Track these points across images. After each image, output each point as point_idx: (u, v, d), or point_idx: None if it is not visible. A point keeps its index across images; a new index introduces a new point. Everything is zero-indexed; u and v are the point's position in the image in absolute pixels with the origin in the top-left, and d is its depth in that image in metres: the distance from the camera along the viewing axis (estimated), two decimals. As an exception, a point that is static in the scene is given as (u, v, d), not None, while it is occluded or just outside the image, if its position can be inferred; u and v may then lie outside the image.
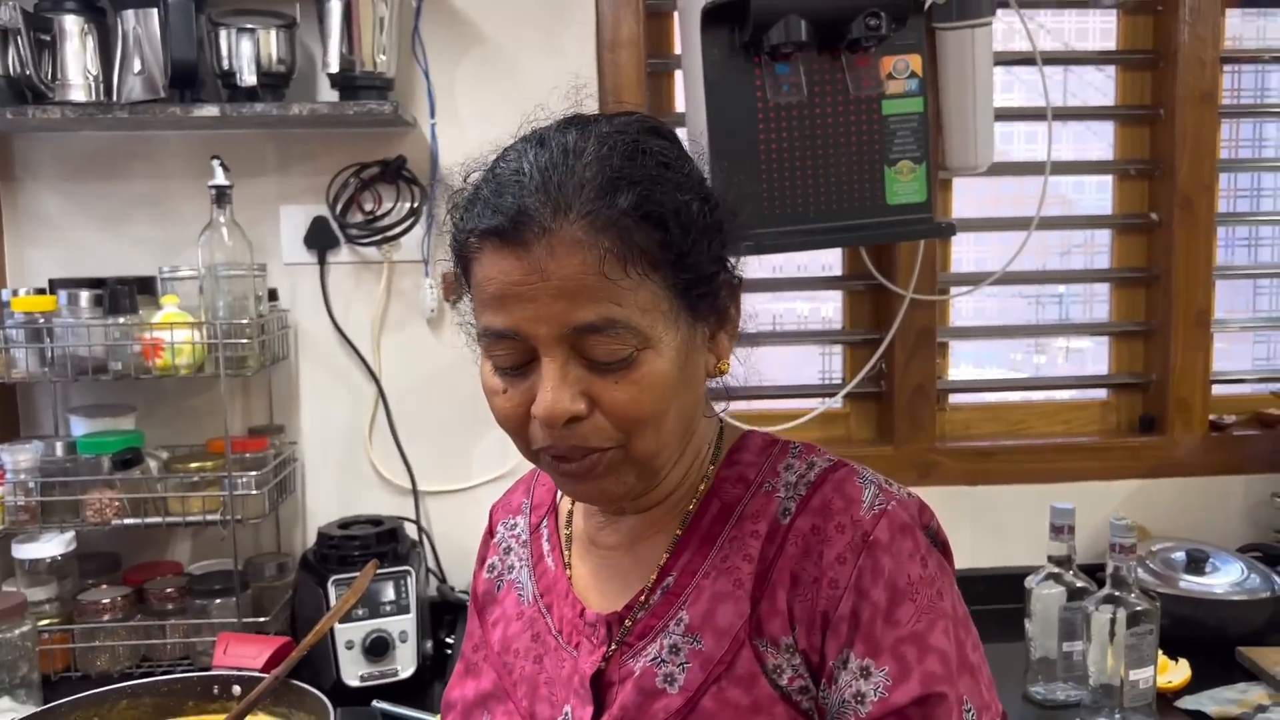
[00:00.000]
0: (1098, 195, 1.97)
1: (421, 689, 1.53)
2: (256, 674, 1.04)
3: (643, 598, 0.83)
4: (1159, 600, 1.43)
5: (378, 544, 1.58)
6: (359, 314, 1.75)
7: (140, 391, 1.67)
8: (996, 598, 1.79)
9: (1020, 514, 1.83)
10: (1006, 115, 1.82)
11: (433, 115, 1.71)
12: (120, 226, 1.70)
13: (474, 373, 0.81)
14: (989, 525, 1.86)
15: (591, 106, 1.75)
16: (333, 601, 1.51)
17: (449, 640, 1.65)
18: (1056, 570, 1.51)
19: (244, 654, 1.07)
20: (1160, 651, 1.48)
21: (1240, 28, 1.98)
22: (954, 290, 1.88)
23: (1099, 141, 1.95)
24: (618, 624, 0.83)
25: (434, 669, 1.59)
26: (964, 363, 1.99)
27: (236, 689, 1.03)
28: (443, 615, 1.71)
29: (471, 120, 1.74)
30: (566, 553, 0.90)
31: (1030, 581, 1.53)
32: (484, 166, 0.80)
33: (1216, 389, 1.96)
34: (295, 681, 1.02)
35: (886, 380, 1.89)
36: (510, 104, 1.70)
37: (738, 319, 0.83)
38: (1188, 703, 1.44)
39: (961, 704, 0.75)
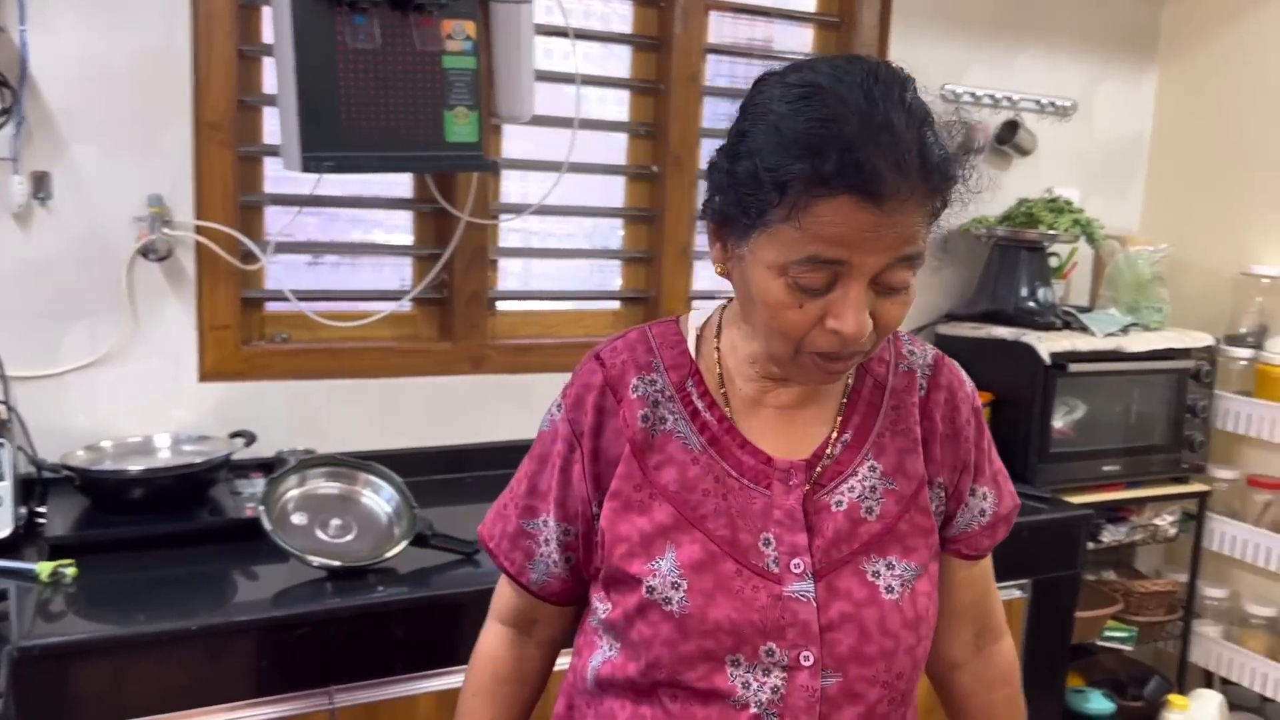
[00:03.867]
0: (616, 150, 2.47)
1: (15, 548, 1.69)
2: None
3: (826, 452, 1.04)
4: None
5: (-31, 420, 1.70)
6: (-59, 206, 1.82)
7: None
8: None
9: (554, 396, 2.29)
10: (547, 78, 2.26)
11: (22, 23, 1.81)
12: None
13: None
14: (527, 407, 2.31)
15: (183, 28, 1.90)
16: (-76, 471, 1.62)
17: (40, 510, 1.80)
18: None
19: None
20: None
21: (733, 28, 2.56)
22: (502, 216, 2.30)
23: (619, 105, 2.46)
24: (810, 468, 1.03)
25: (27, 533, 1.74)
26: (511, 277, 2.42)
27: None
28: (34, 488, 1.85)
29: (63, 30, 1.85)
30: (728, 409, 1.05)
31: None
32: (792, 99, 0.91)
33: (696, 304, 2.56)
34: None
35: (448, 289, 2.27)
36: (101, 19, 1.86)
37: None
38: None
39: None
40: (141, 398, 2.00)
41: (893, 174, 0.87)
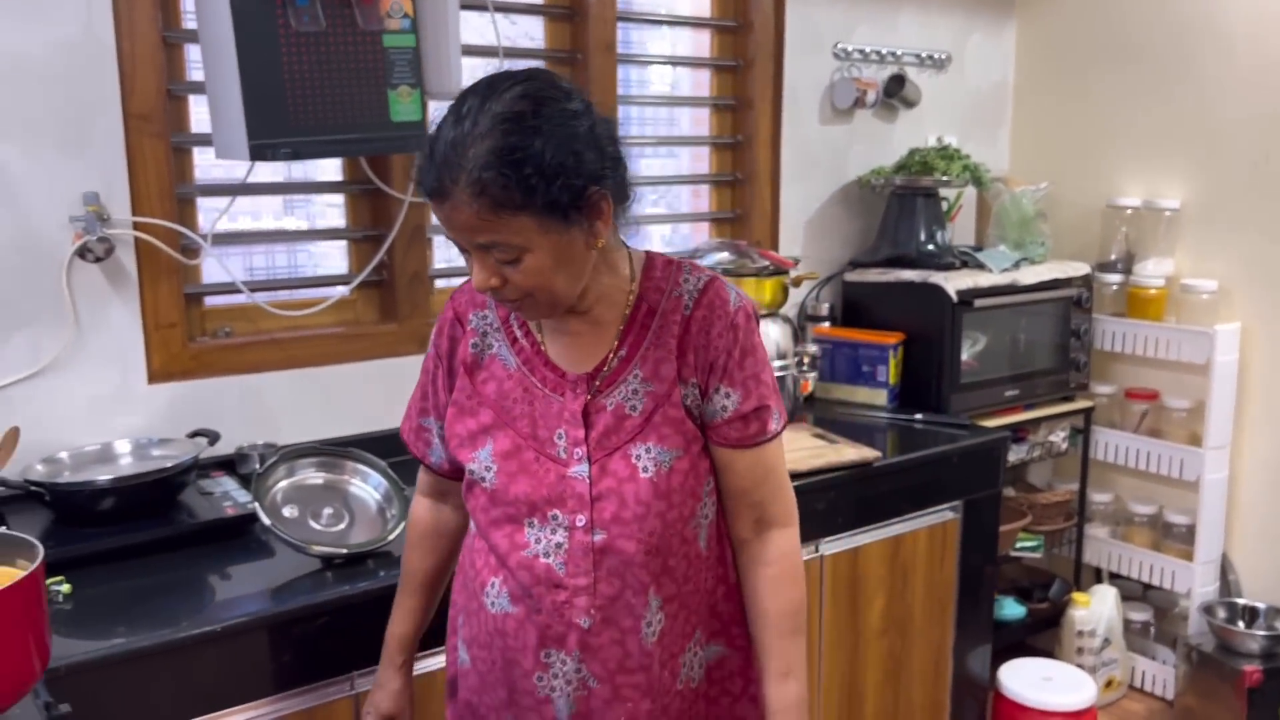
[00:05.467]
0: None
1: None
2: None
3: (605, 365, 1.31)
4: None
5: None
6: None
7: None
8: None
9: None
10: (470, 52, 2.26)
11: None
12: None
13: None
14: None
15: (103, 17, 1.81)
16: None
17: None
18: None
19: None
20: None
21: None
22: (437, 194, 2.29)
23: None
24: (592, 379, 1.30)
25: None
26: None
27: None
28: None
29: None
30: (540, 336, 1.34)
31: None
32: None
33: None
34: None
35: (388, 270, 2.26)
36: (14, 11, 1.75)
37: (609, 212, 1.22)
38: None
39: (781, 409, 1.36)
40: (90, 404, 1.92)
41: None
